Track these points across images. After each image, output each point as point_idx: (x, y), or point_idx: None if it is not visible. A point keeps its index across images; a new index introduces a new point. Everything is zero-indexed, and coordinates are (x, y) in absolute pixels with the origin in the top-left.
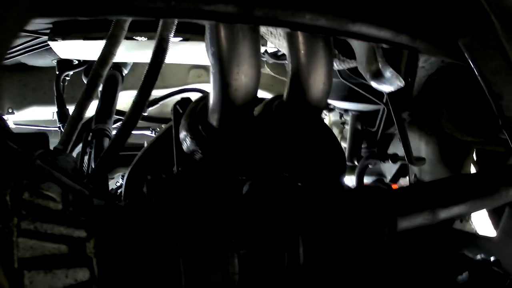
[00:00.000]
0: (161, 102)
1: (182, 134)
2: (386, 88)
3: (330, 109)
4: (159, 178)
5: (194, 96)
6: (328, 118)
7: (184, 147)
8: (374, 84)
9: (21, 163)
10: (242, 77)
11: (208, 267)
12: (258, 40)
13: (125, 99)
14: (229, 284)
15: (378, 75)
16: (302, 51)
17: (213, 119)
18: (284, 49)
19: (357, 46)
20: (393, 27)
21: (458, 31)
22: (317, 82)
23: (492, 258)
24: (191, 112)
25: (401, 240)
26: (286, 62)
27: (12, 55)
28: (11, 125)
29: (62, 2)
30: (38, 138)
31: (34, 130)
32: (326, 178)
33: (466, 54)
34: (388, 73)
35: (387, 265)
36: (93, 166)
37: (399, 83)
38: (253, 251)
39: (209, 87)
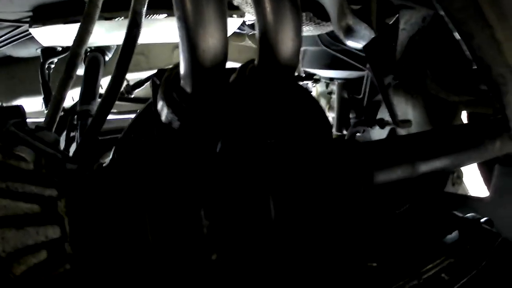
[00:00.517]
0: (146, 83)
1: (159, 104)
2: (360, 42)
3: (316, 80)
4: (126, 141)
5: None
6: (315, 88)
7: (163, 117)
8: (348, 42)
9: None
10: (209, 38)
11: (174, 222)
12: (223, 1)
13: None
14: (197, 238)
15: (349, 31)
16: (268, 8)
17: (186, 85)
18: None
19: (329, 5)
20: None
21: None
22: (285, 39)
23: (484, 219)
24: (165, 80)
25: (387, 200)
26: None
27: None
28: None
29: None
30: (13, 110)
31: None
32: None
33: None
34: (358, 26)
35: (368, 222)
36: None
37: (370, 35)
38: (220, 205)
39: None
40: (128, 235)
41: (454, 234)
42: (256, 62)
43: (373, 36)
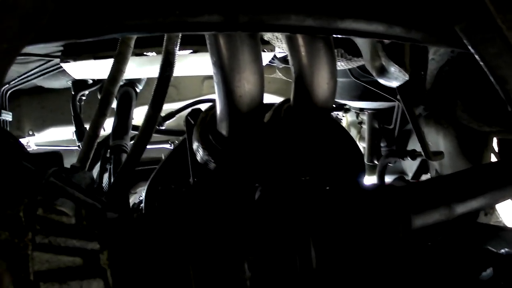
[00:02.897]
0: (177, 115)
1: (195, 145)
2: (392, 83)
3: (346, 110)
4: (169, 189)
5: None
6: (345, 118)
7: (198, 157)
8: (381, 80)
9: (34, 181)
10: (245, 83)
11: (218, 274)
12: (258, 46)
13: (142, 115)
14: None
15: (382, 71)
16: (303, 53)
17: (222, 128)
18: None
19: (361, 43)
20: (384, 19)
21: (453, 17)
22: (321, 82)
23: None
24: (201, 122)
25: (423, 237)
26: None
27: (27, 79)
28: (32, 146)
29: (51, 30)
30: (52, 157)
31: (49, 150)
32: (345, 179)
33: (464, 40)
34: (392, 68)
35: (406, 263)
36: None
37: (404, 76)
38: (264, 256)
39: None
40: (172, 287)
41: (489, 270)
42: (291, 102)
43: (407, 78)
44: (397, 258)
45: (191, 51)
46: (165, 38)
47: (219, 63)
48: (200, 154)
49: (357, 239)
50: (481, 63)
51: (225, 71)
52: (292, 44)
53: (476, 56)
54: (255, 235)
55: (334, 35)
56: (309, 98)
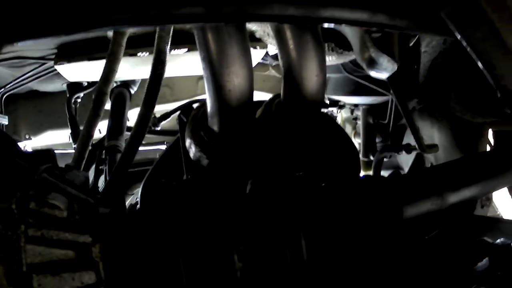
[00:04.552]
0: (172, 115)
1: (187, 141)
2: (383, 74)
3: (341, 106)
4: (159, 184)
5: None
6: (340, 115)
7: (191, 154)
8: (371, 72)
9: (27, 176)
10: (234, 78)
11: (208, 265)
12: (246, 40)
13: (136, 116)
14: (231, 279)
15: (372, 62)
16: (291, 46)
17: (213, 124)
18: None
19: (351, 36)
20: (367, 7)
21: (438, 2)
22: (310, 75)
23: None
24: (192, 119)
25: (418, 229)
26: None
27: (22, 82)
28: (29, 150)
29: (38, 25)
30: (44, 154)
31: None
32: (339, 175)
33: (450, 27)
34: (381, 58)
35: (399, 254)
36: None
37: (393, 66)
38: (253, 247)
39: None
40: (163, 279)
41: (485, 261)
42: (282, 97)
43: (396, 68)
44: (389, 248)
45: (186, 50)
46: (156, 36)
47: (207, 58)
48: (192, 151)
49: (348, 230)
50: (468, 48)
51: (214, 66)
52: (280, 38)
53: (463, 42)
54: (245, 226)
55: (319, 24)
56: (299, 92)
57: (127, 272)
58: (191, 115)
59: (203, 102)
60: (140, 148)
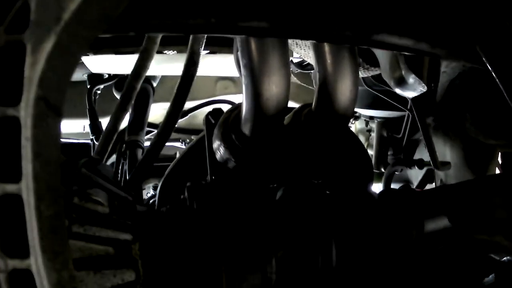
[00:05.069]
0: (190, 114)
1: (216, 143)
2: (409, 93)
3: (356, 117)
4: (199, 184)
5: (222, 107)
6: (354, 126)
7: (218, 156)
8: (398, 90)
9: (68, 171)
10: (273, 87)
11: (248, 268)
12: (287, 51)
13: (154, 111)
14: (267, 284)
15: (401, 82)
16: (329, 61)
17: (246, 129)
18: (309, 59)
19: (381, 54)
20: (413, 35)
21: (475, 37)
22: (344, 90)
23: None
24: (224, 122)
25: (428, 242)
26: (312, 71)
27: None
28: None
29: (119, 22)
30: (82, 147)
31: (77, 142)
32: (354, 185)
33: (484, 59)
34: (411, 79)
35: (418, 267)
36: (127, 177)
37: (421, 88)
38: (290, 253)
39: (236, 98)
40: (202, 279)
41: (491, 277)
42: (313, 107)
43: (425, 89)
44: (410, 260)
45: (208, 51)
46: (191, 38)
47: (249, 66)
48: (220, 153)
49: (374, 241)
50: (497, 80)
51: (255, 74)
52: (318, 52)
53: (493, 73)
54: (282, 233)
55: (369, 47)
56: (332, 105)
57: (166, 271)
58: (222, 118)
59: (235, 106)
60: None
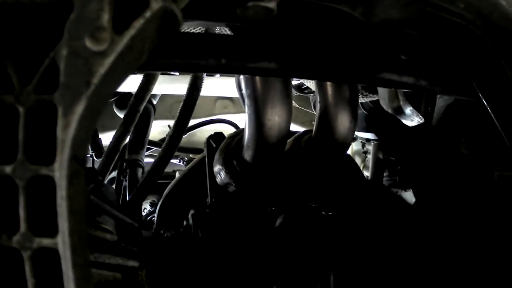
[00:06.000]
0: (188, 133)
1: (217, 167)
2: (406, 123)
3: (353, 139)
4: (204, 213)
5: (220, 126)
6: (351, 148)
7: (218, 179)
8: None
9: None
10: (276, 117)
11: None
12: (289, 83)
13: (153, 128)
14: None
15: (399, 112)
16: (330, 92)
17: (248, 155)
18: (308, 82)
19: None
20: (414, 74)
21: (472, 74)
22: (344, 120)
23: None
24: (226, 147)
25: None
26: (311, 95)
27: None
28: None
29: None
30: (89, 173)
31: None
32: (350, 208)
33: (480, 95)
34: (409, 110)
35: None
36: (127, 196)
37: (418, 119)
38: (290, 282)
39: (235, 118)
40: None
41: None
42: (313, 135)
43: (421, 121)
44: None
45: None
46: None
47: (253, 96)
48: (221, 177)
49: (369, 270)
50: (492, 115)
51: (258, 104)
52: (321, 83)
53: (488, 107)
54: (282, 261)
55: (370, 84)
56: (331, 134)
57: None
58: (224, 143)
59: (237, 132)
60: (149, 160)
